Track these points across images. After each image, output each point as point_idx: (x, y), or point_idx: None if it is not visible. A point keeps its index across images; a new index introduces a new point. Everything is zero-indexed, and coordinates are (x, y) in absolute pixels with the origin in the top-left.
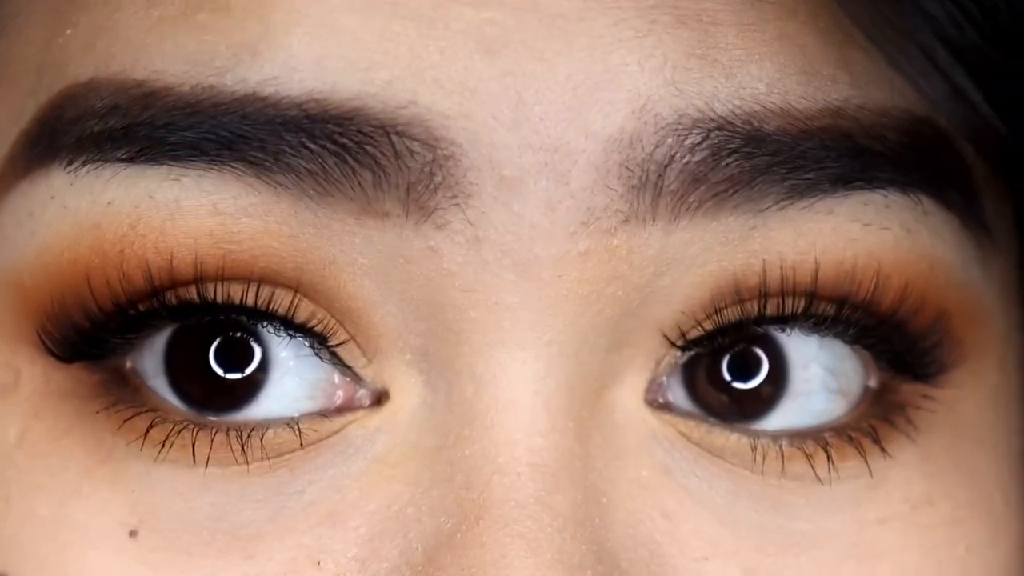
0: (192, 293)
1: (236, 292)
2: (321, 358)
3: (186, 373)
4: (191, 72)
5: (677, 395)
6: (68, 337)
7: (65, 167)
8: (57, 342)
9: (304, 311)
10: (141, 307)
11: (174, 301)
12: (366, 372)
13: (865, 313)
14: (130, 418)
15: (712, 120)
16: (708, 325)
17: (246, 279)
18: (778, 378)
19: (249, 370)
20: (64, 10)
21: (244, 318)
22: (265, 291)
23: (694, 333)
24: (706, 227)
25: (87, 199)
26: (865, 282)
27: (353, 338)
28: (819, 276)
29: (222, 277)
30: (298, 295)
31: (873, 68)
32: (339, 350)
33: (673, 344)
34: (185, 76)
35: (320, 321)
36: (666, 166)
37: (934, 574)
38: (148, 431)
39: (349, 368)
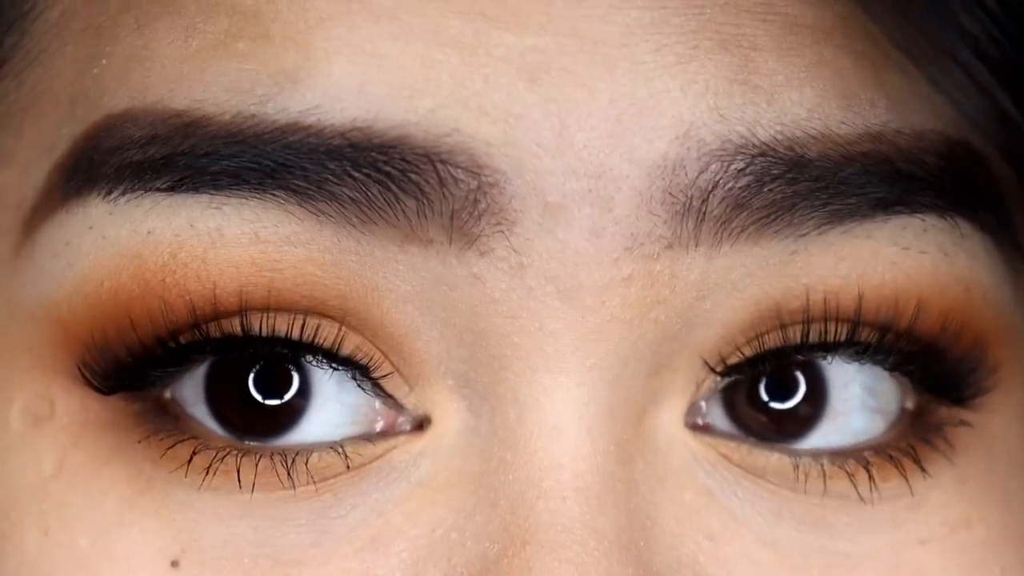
0: (236, 326)
1: (281, 324)
2: (363, 389)
3: (226, 400)
4: (232, 101)
5: (716, 416)
6: (109, 370)
7: (104, 197)
8: (98, 375)
9: (349, 344)
10: (183, 339)
11: (217, 334)
12: (408, 400)
13: (908, 340)
14: (172, 446)
15: (755, 146)
16: (748, 351)
17: (291, 310)
18: (817, 398)
19: (288, 396)
20: (96, 42)
21: (288, 351)
22: (311, 323)
23: (734, 359)
24: (748, 252)
25: (127, 228)
26: (908, 308)
27: (397, 369)
28: (863, 303)
29: (267, 308)
30: (343, 328)
31: (909, 91)
32: (382, 381)
33: (713, 370)
34: (226, 105)
35: (365, 354)
36: (710, 192)
37: None
38: (191, 459)
39: (391, 397)
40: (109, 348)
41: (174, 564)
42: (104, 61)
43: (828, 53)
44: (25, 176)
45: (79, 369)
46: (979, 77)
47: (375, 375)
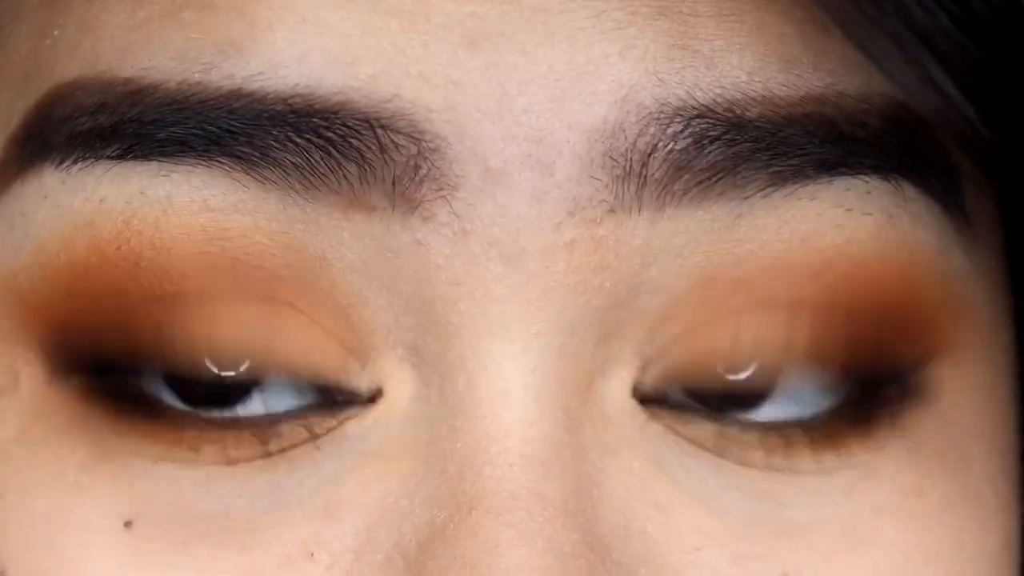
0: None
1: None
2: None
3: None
4: (177, 69)
5: (670, 388)
6: (72, 362)
7: (57, 166)
8: (61, 364)
9: (298, 341)
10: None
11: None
12: (361, 379)
13: (846, 314)
14: (129, 416)
15: (693, 108)
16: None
17: (240, 290)
18: (771, 370)
19: (244, 367)
20: (49, 16)
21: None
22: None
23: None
24: (692, 216)
25: (80, 197)
26: (848, 272)
27: (347, 348)
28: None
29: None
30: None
31: (853, 55)
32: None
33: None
34: (172, 73)
35: (317, 347)
36: (649, 155)
37: (925, 562)
38: (148, 429)
39: (345, 386)
40: (71, 327)
41: (127, 525)
42: (56, 32)
43: (769, 19)
44: None
45: (39, 342)
46: (909, 47)
47: (326, 382)
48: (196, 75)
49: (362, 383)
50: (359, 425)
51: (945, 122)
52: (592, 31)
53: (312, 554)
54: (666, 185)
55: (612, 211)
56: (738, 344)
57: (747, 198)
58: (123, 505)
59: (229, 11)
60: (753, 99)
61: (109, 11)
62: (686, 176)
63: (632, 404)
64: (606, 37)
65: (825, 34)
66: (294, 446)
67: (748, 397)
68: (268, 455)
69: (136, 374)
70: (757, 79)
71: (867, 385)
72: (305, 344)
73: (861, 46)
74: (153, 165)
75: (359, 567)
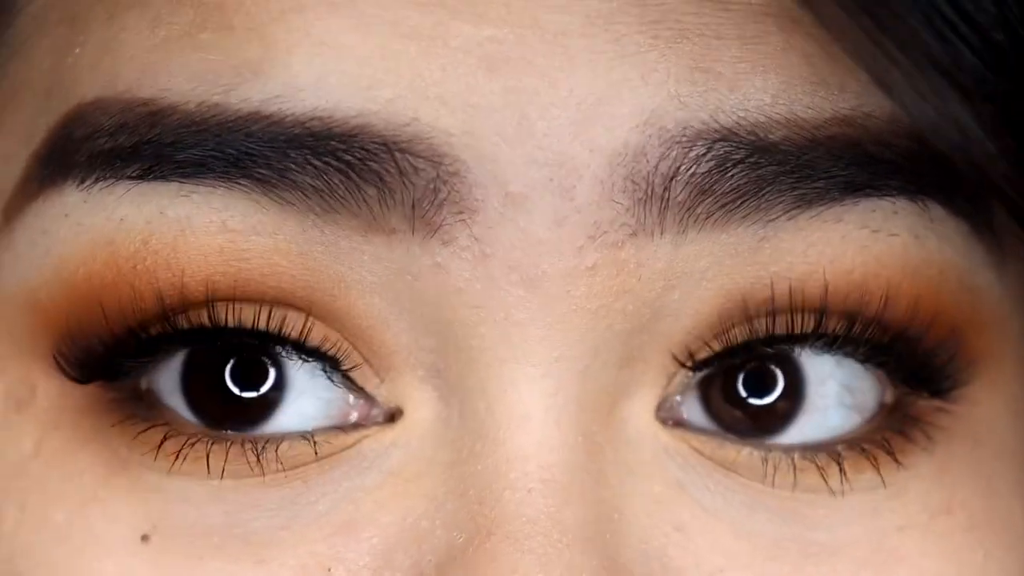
0: (203, 317)
1: (248, 315)
2: (333, 381)
3: (202, 392)
4: (196, 90)
5: (693, 411)
6: (83, 360)
7: (78, 185)
8: (73, 365)
9: (317, 334)
10: (153, 331)
11: (185, 325)
12: (379, 391)
13: (877, 329)
14: (144, 431)
15: (716, 131)
16: (716, 345)
17: (258, 301)
18: (794, 394)
19: (264, 389)
20: (70, 32)
21: (256, 342)
22: (277, 314)
23: (703, 354)
24: (715, 239)
25: (101, 216)
26: (876, 294)
27: (367, 360)
28: (829, 290)
29: (234, 298)
30: (310, 318)
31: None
32: (352, 373)
33: (683, 365)
34: (191, 94)
35: (333, 344)
36: (672, 178)
37: None
38: (162, 443)
39: (361, 389)
40: (83, 338)
41: (144, 538)
42: (77, 50)
43: (795, 41)
44: (5, 166)
45: (55, 359)
46: (930, 83)
47: (344, 367)
48: (215, 97)
49: (381, 400)
50: (377, 443)
51: (965, 157)
52: (613, 55)
53: (329, 569)
54: (689, 208)
55: (634, 234)
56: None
57: (772, 220)
58: (140, 518)
59: (247, 33)
60: (777, 122)
61: (128, 31)
62: (709, 199)
63: (654, 426)
64: (627, 61)
65: (852, 56)
66: (307, 464)
67: (775, 420)
68: (281, 471)
69: (149, 376)
70: (781, 101)
71: (897, 407)
72: (324, 339)
73: (880, 81)
74: (173, 186)
75: None
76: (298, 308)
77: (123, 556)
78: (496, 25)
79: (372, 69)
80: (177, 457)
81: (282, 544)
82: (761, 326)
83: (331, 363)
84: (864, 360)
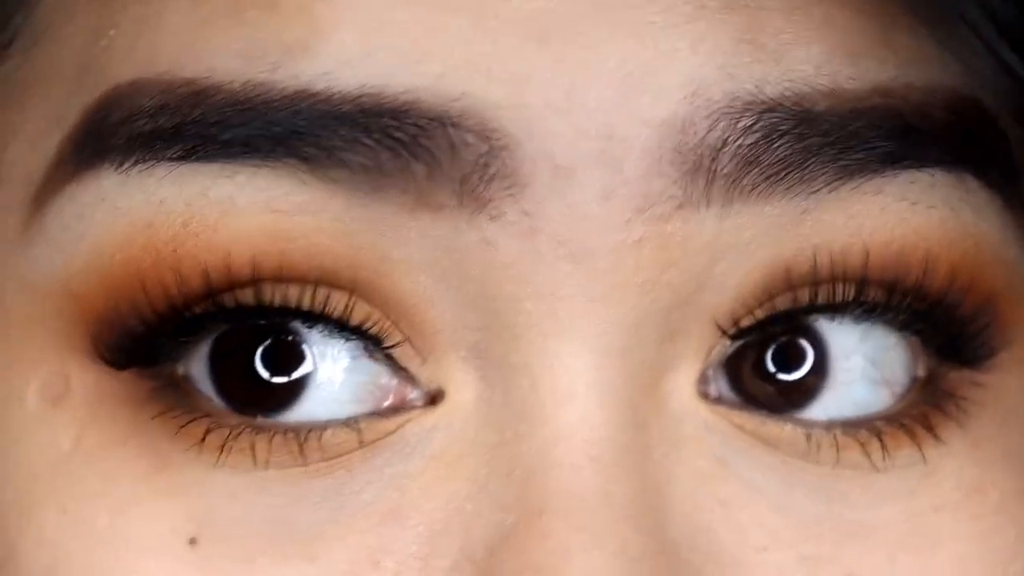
0: (248, 296)
1: (292, 294)
2: (375, 360)
3: (231, 375)
4: (241, 69)
5: (722, 387)
6: (123, 343)
7: (116, 168)
8: (111, 348)
9: (360, 313)
10: (197, 310)
11: (231, 304)
12: (421, 372)
13: (916, 297)
14: (186, 424)
15: (763, 103)
16: (760, 314)
17: (302, 281)
18: (819, 369)
19: (297, 374)
20: (103, 12)
21: (299, 321)
22: (321, 293)
23: (746, 322)
24: (759, 211)
25: (139, 198)
26: (915, 264)
27: (408, 339)
28: (869, 260)
29: (279, 279)
30: (354, 296)
31: (919, 48)
32: (394, 351)
33: (725, 333)
34: (236, 73)
35: (376, 323)
36: (719, 150)
37: (988, 560)
38: (205, 437)
39: (404, 369)
40: (122, 320)
41: (192, 542)
42: (112, 32)
43: (836, 12)
44: (33, 151)
45: (91, 342)
46: (987, 36)
47: (386, 345)
48: (261, 75)
49: (423, 381)
50: (419, 427)
51: (1017, 110)
52: (661, 25)
53: (378, 562)
54: (735, 180)
55: (680, 207)
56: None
57: (814, 192)
58: (183, 520)
59: (293, 10)
60: (821, 92)
61: (168, 9)
62: (755, 171)
63: (696, 401)
64: (675, 31)
65: (892, 28)
66: (350, 452)
67: (801, 395)
68: (324, 461)
69: (186, 362)
70: (824, 72)
71: (930, 380)
72: (366, 317)
73: (934, 35)
74: (216, 166)
75: (426, 573)
76: (341, 287)
77: (171, 563)
78: None
79: (421, 43)
80: (221, 451)
81: (329, 537)
82: (804, 296)
83: (373, 341)
84: (901, 328)
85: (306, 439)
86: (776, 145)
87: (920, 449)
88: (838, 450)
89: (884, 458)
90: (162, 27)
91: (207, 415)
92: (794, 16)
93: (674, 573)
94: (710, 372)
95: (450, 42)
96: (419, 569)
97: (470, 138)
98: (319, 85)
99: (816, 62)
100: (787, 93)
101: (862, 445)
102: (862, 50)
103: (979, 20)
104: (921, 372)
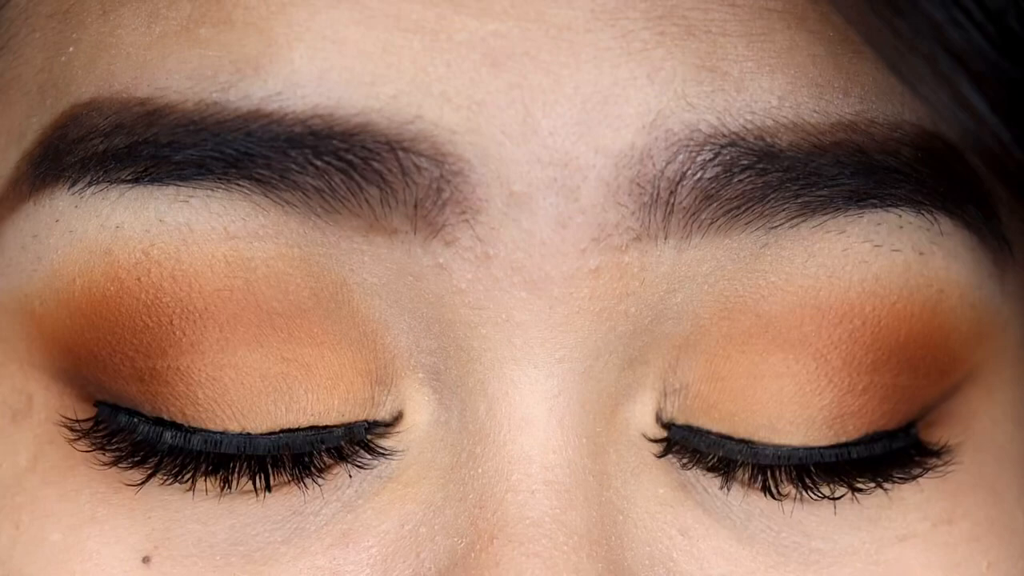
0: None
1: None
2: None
3: None
4: (194, 89)
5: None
6: (87, 388)
7: (69, 188)
8: (75, 384)
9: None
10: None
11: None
12: (382, 405)
13: (870, 349)
14: (147, 452)
15: (724, 136)
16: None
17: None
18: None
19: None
20: (63, 28)
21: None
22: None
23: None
24: (719, 244)
25: (94, 223)
26: (871, 317)
27: (371, 381)
28: (823, 323)
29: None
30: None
31: (883, 80)
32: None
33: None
34: (188, 93)
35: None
36: (678, 183)
37: None
38: (159, 458)
39: (371, 402)
40: (87, 368)
41: (145, 560)
42: (71, 48)
43: (800, 39)
44: None
45: (53, 362)
46: (941, 65)
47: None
48: (213, 95)
49: (385, 412)
50: (376, 448)
51: (977, 144)
52: (619, 51)
53: None
54: (694, 214)
55: (638, 239)
56: (758, 391)
57: (774, 228)
58: (141, 539)
59: (247, 28)
60: (784, 126)
61: (124, 27)
62: (714, 205)
63: (656, 429)
64: (633, 58)
65: (856, 56)
66: (308, 473)
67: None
68: (287, 483)
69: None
70: (788, 104)
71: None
72: (330, 382)
73: (893, 66)
74: (170, 190)
75: None
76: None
77: None
78: (500, 19)
79: (375, 64)
80: (176, 470)
81: (283, 560)
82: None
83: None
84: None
85: (259, 463)
86: (736, 180)
87: (881, 486)
88: (795, 479)
89: (843, 489)
90: (119, 45)
91: (170, 446)
92: (756, 42)
93: None
94: (678, 398)
95: (404, 63)
96: None
97: (423, 162)
98: (271, 106)
99: (779, 93)
100: (749, 126)
101: (819, 475)
102: (825, 81)
103: (934, 49)
104: None
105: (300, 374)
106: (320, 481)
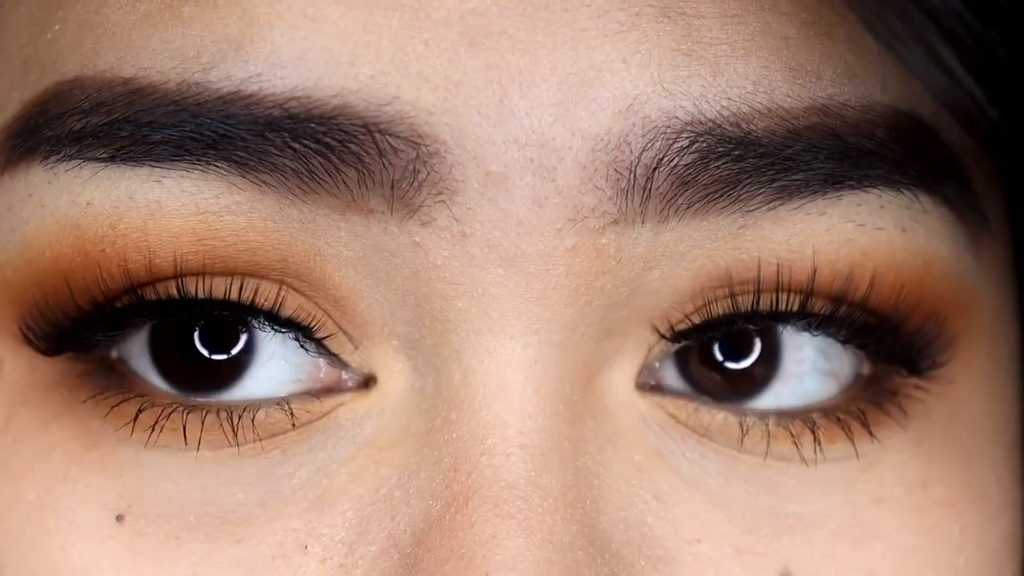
0: (172, 289)
1: (219, 287)
2: (307, 349)
3: (170, 354)
4: (177, 69)
5: (669, 375)
6: (50, 333)
7: (43, 163)
8: (40, 338)
9: (290, 304)
10: (119, 304)
11: (153, 296)
12: (352, 358)
13: (861, 312)
14: (118, 404)
15: (701, 123)
16: (696, 319)
17: (229, 274)
18: (770, 359)
19: (235, 351)
20: (50, 5)
21: (227, 313)
22: (250, 285)
23: (683, 326)
24: (695, 226)
25: (65, 198)
26: (863, 281)
27: (341, 328)
28: (816, 274)
29: (203, 272)
30: (283, 287)
31: (856, 62)
32: (326, 341)
33: (662, 336)
34: (171, 73)
35: (308, 314)
36: (654, 169)
37: (930, 554)
38: (137, 416)
39: (336, 356)
40: (49, 312)
41: (119, 518)
42: (57, 26)
43: (773, 21)
44: None
45: (22, 331)
46: (930, 40)
47: (318, 335)
48: (195, 75)
49: (354, 366)
50: (352, 412)
51: (952, 103)
52: (595, 33)
53: (306, 547)
54: (671, 199)
55: (615, 223)
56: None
57: (751, 211)
58: (114, 497)
59: (228, 6)
60: (759, 112)
61: (110, 6)
62: (691, 190)
63: (634, 395)
64: (609, 41)
65: (829, 39)
66: (284, 432)
67: (751, 384)
68: (258, 441)
69: (124, 359)
70: (763, 89)
71: (874, 379)
72: (298, 308)
73: (869, 26)
74: (144, 170)
75: (353, 560)
76: (271, 279)
77: (97, 538)
78: None
79: (354, 44)
80: (153, 429)
81: (258, 521)
82: (745, 303)
83: (304, 332)
84: (844, 341)
85: (239, 419)
86: (712, 166)
87: (854, 444)
88: (769, 440)
89: (815, 451)
90: (104, 23)
91: (140, 395)
92: (730, 24)
93: (604, 565)
94: (656, 364)
95: (383, 43)
96: (345, 555)
97: (400, 144)
98: (251, 87)
99: (754, 77)
100: (724, 113)
101: (794, 436)
102: (799, 64)
103: (923, 23)
104: (865, 371)
105: (268, 300)
106: (285, 440)
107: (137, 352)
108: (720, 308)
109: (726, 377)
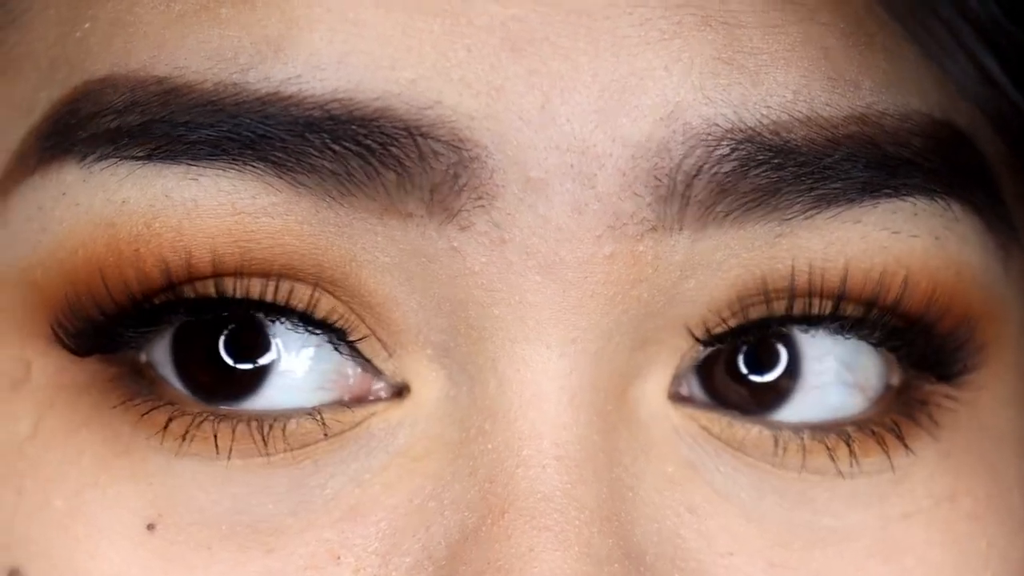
0: (210, 288)
1: (255, 288)
2: (340, 352)
3: (194, 361)
4: (214, 69)
5: (693, 388)
6: (83, 331)
7: (79, 163)
8: (72, 336)
9: (324, 306)
10: (157, 301)
11: (191, 295)
12: (386, 365)
13: (893, 315)
14: (148, 412)
15: (741, 131)
16: (733, 322)
17: (265, 275)
18: (792, 371)
19: (262, 361)
20: (79, 4)
21: (262, 314)
22: (284, 287)
23: (719, 329)
24: (733, 235)
25: (100, 196)
26: (894, 286)
27: (374, 333)
28: (848, 279)
29: (240, 273)
30: (318, 290)
31: (893, 71)
32: (359, 344)
33: (697, 340)
34: (208, 73)
35: (341, 316)
36: (694, 176)
37: (957, 569)
38: (168, 424)
39: (368, 361)
40: (82, 309)
41: (150, 527)
42: (87, 25)
43: (813, 31)
44: (0, 138)
45: (53, 330)
46: (965, 40)
47: (351, 338)
48: (233, 76)
49: (388, 374)
50: (384, 422)
51: (991, 111)
52: (637, 40)
53: (339, 557)
54: (709, 206)
55: (653, 229)
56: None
57: (788, 219)
58: (145, 505)
59: (267, 8)
60: (799, 120)
61: (143, 5)
62: (730, 198)
63: (667, 407)
64: (651, 48)
65: (867, 48)
66: (316, 443)
67: (775, 395)
68: (289, 451)
69: (148, 349)
70: (802, 98)
71: (904, 389)
72: (331, 310)
73: (912, 34)
74: (180, 168)
75: (386, 571)
76: (306, 281)
77: (127, 545)
78: (520, 3)
79: (395, 48)
80: (184, 438)
81: (290, 531)
82: (780, 307)
83: (338, 335)
84: (877, 344)
85: (269, 429)
86: (752, 174)
87: (889, 457)
88: (804, 454)
89: (851, 464)
90: (137, 23)
91: (170, 403)
92: (771, 34)
93: None
94: (682, 374)
95: (424, 47)
96: (379, 566)
97: (440, 148)
98: (290, 89)
99: (794, 86)
100: (764, 121)
101: (830, 450)
102: (838, 73)
103: (958, 24)
104: (895, 381)
105: (300, 303)
106: (317, 450)
107: (161, 360)
108: (756, 312)
109: (751, 390)
